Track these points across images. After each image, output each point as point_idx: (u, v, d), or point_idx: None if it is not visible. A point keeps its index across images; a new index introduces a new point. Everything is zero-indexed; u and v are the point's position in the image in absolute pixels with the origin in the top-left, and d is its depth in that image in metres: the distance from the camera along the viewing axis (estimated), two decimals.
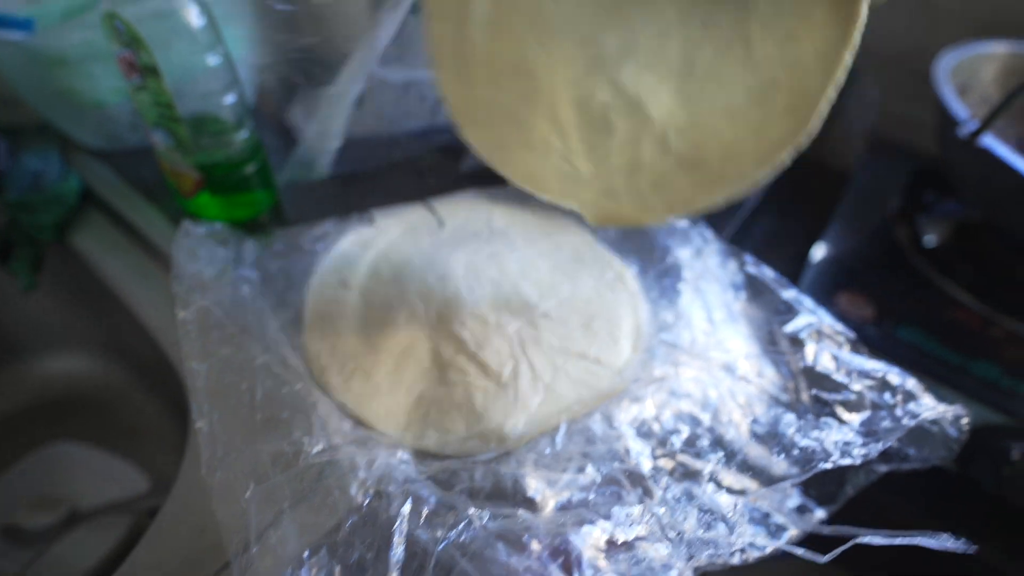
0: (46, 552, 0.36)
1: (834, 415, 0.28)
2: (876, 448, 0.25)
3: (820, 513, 0.27)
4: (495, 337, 0.31)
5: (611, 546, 0.23)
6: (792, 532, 0.26)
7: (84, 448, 0.44)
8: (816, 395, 0.29)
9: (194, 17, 0.30)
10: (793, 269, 0.42)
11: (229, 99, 0.33)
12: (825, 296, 0.41)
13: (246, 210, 0.38)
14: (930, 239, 0.50)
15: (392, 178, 0.43)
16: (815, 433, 0.27)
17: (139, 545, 0.24)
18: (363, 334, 0.31)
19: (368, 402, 0.28)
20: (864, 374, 0.29)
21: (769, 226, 0.49)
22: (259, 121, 0.44)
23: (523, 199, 0.42)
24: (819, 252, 0.46)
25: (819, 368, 0.30)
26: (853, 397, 0.28)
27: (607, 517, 0.23)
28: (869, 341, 0.35)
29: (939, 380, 0.39)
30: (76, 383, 0.48)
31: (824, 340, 0.32)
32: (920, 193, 0.54)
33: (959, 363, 0.40)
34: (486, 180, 0.40)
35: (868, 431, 0.26)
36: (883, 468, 0.28)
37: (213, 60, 0.32)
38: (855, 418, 0.27)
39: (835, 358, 0.30)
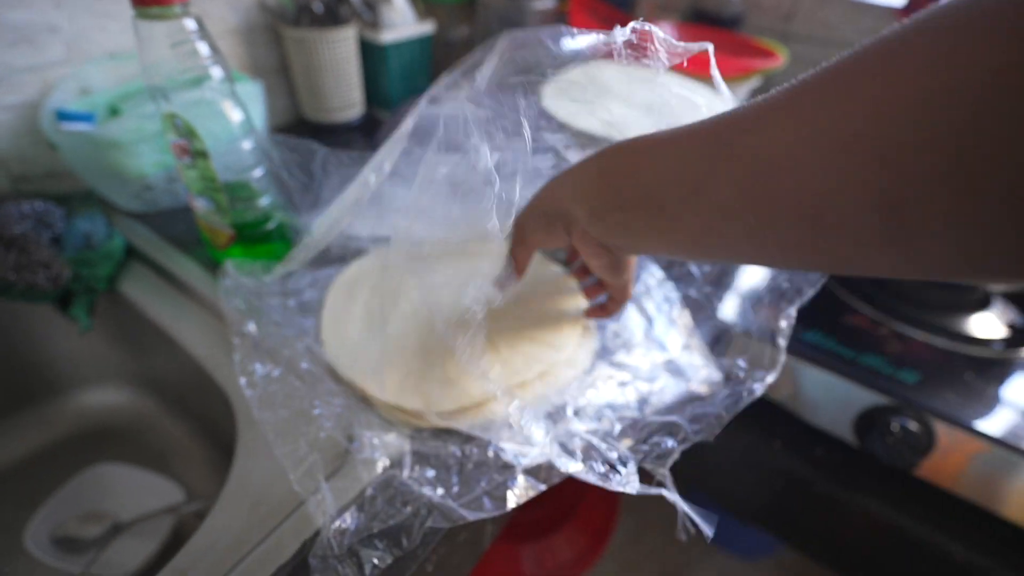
0: (103, 553, 0.42)
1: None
2: None
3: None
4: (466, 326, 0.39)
5: None
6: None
7: (122, 467, 0.50)
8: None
9: (234, 112, 0.39)
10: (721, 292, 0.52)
11: (258, 172, 0.42)
12: (749, 310, 0.51)
13: (268, 257, 0.47)
14: None
15: None
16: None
17: (209, 516, 0.31)
18: (368, 332, 0.39)
19: (372, 377, 0.35)
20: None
21: None
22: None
23: None
24: (751, 276, 0.56)
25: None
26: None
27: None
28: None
29: (835, 371, 0.49)
30: (111, 413, 0.55)
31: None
32: None
33: (852, 357, 0.49)
34: None
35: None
36: None
37: (247, 143, 0.41)
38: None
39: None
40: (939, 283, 0.56)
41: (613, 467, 0.29)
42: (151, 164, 0.49)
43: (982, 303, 0.58)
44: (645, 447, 0.32)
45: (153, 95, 0.37)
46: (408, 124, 0.31)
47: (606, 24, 0.76)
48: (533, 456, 0.33)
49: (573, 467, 0.30)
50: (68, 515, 0.47)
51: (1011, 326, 0.54)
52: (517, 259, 0.34)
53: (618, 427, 0.35)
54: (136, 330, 0.47)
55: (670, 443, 0.32)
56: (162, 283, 0.47)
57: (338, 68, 0.65)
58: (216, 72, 0.37)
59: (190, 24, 0.35)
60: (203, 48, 0.36)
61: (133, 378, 0.55)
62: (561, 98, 0.55)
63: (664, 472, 0.30)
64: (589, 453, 0.32)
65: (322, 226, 0.38)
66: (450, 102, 0.31)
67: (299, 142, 0.48)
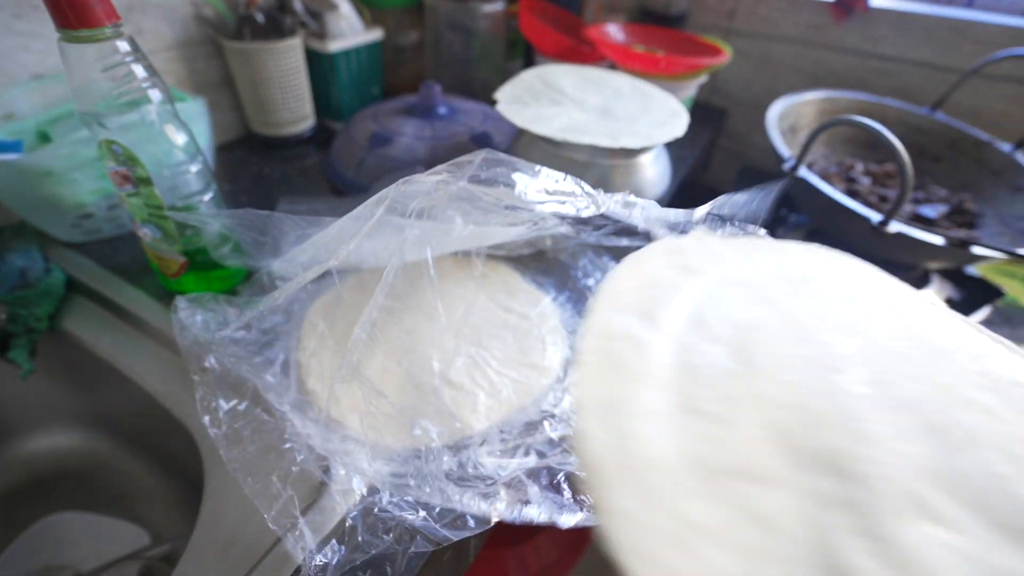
0: None
1: None
2: None
3: None
4: (456, 359, 0.39)
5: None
6: None
7: (79, 515, 0.47)
8: None
9: (178, 136, 0.38)
10: None
11: (207, 196, 0.41)
12: None
13: (223, 283, 0.45)
14: None
15: None
16: None
17: (180, 562, 0.29)
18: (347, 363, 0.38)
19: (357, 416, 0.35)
20: None
21: None
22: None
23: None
24: None
25: None
26: None
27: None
28: None
29: None
30: (63, 458, 0.51)
31: None
32: (777, 209, 0.68)
33: None
34: None
35: None
36: None
37: (194, 167, 0.39)
38: None
39: None
40: (879, 261, 0.59)
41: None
42: (88, 191, 0.46)
43: (921, 280, 0.62)
44: None
45: (86, 121, 0.35)
46: (381, 204, 0.31)
47: (555, 25, 0.77)
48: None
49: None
50: (23, 571, 0.44)
51: (949, 301, 0.57)
52: None
53: None
54: (84, 369, 0.44)
55: None
56: (110, 317, 0.44)
57: (285, 80, 0.63)
58: (155, 95, 0.35)
59: (123, 46, 0.33)
60: (139, 70, 0.34)
61: (85, 419, 0.52)
62: (516, 103, 0.55)
63: None
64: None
65: (285, 271, 0.37)
66: (426, 183, 0.31)
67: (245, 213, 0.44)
